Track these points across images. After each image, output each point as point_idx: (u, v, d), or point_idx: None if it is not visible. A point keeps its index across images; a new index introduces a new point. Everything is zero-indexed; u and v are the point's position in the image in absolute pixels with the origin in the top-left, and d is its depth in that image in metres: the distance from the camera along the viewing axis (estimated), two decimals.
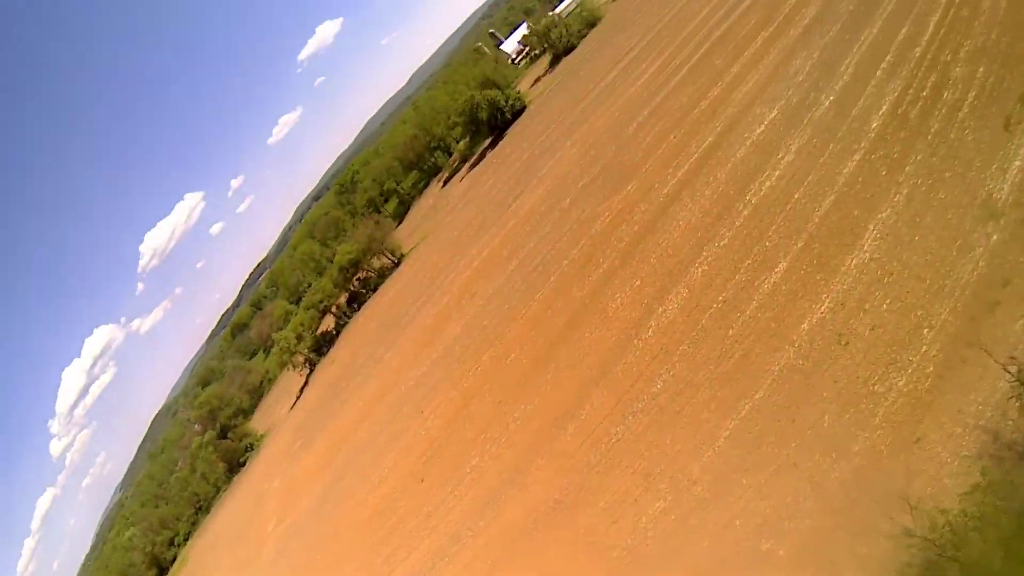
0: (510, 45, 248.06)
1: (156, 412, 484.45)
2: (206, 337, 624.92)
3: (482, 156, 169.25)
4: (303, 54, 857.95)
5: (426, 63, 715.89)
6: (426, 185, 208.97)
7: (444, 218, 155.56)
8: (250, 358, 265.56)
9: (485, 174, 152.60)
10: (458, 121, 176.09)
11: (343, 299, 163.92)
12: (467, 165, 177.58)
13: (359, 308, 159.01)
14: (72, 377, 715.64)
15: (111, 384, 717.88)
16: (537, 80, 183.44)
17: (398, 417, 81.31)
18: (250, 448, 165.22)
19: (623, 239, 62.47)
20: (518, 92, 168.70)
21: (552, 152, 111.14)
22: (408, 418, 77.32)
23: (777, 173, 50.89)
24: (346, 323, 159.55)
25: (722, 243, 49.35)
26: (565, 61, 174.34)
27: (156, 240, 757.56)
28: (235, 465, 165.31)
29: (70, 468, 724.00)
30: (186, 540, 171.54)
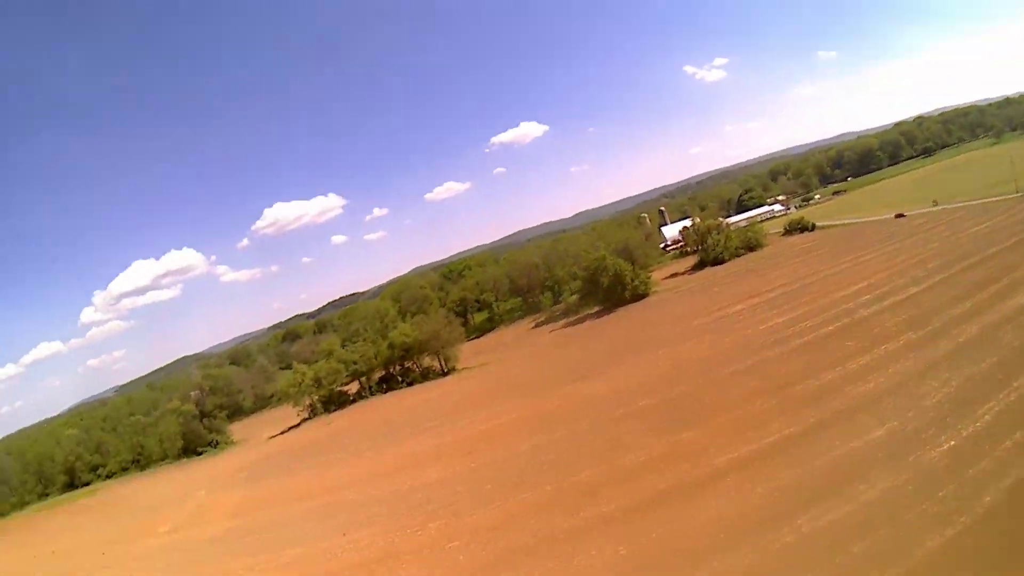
0: (670, 231, 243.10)
1: (186, 355, 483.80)
2: (268, 325, 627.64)
3: (582, 319, 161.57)
4: (498, 139, 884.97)
5: (598, 207, 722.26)
6: (520, 317, 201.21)
7: (512, 357, 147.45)
8: (281, 368, 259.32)
9: (573, 338, 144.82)
10: (579, 275, 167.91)
11: (377, 375, 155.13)
12: (565, 320, 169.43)
13: (385, 392, 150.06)
14: (140, 271, 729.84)
15: (167, 302, 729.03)
16: (673, 275, 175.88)
17: (326, 521, 71.62)
18: (214, 445, 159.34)
19: (644, 490, 50.10)
20: (648, 277, 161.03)
21: (643, 352, 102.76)
22: (331, 529, 67.44)
23: (847, 510, 38.81)
24: (366, 398, 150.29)
25: (741, 562, 36.73)
26: (708, 271, 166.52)
27: (282, 213, 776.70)
28: (191, 450, 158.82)
29: (87, 341, 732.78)
30: (108, 477, 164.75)
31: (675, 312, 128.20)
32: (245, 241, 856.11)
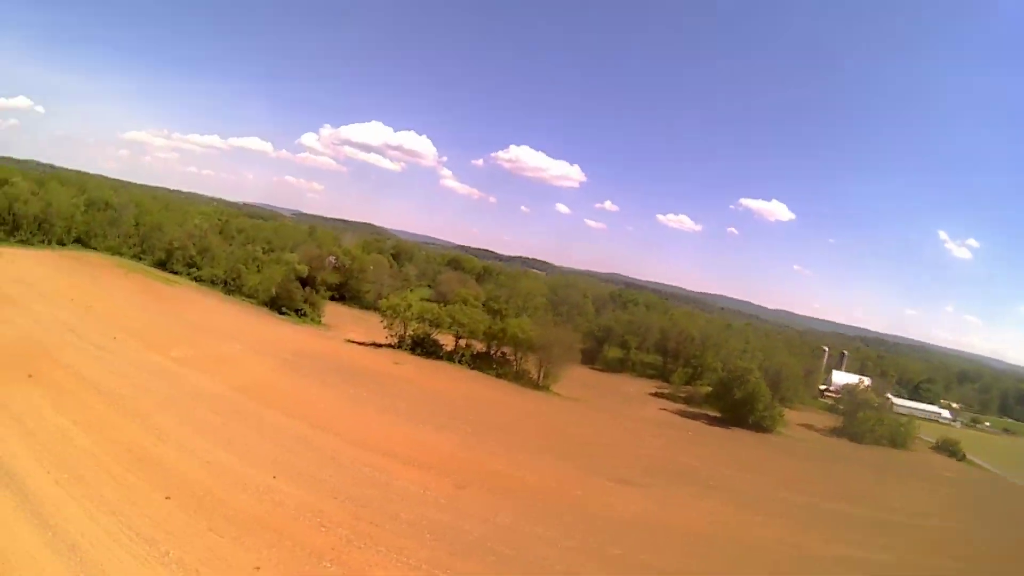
0: (840, 378, 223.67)
1: (371, 223, 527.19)
2: (460, 243, 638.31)
3: (696, 416, 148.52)
4: (746, 201, 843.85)
5: (796, 314, 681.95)
6: (650, 375, 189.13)
7: (610, 412, 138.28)
8: (428, 286, 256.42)
9: (669, 424, 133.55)
10: (720, 373, 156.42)
11: (478, 347, 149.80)
12: (683, 405, 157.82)
13: (472, 368, 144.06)
14: (375, 131, 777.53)
15: (384, 171, 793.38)
16: (809, 426, 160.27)
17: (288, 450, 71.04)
18: (300, 313, 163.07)
19: None
20: (782, 415, 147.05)
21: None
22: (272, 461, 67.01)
23: None
24: (453, 362, 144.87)
25: None
26: (840, 443, 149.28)
27: (526, 156, 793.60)
28: (276, 305, 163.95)
29: (295, 159, 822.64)
30: (196, 280, 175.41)
31: (787, 476, 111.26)
32: (480, 161, 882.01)
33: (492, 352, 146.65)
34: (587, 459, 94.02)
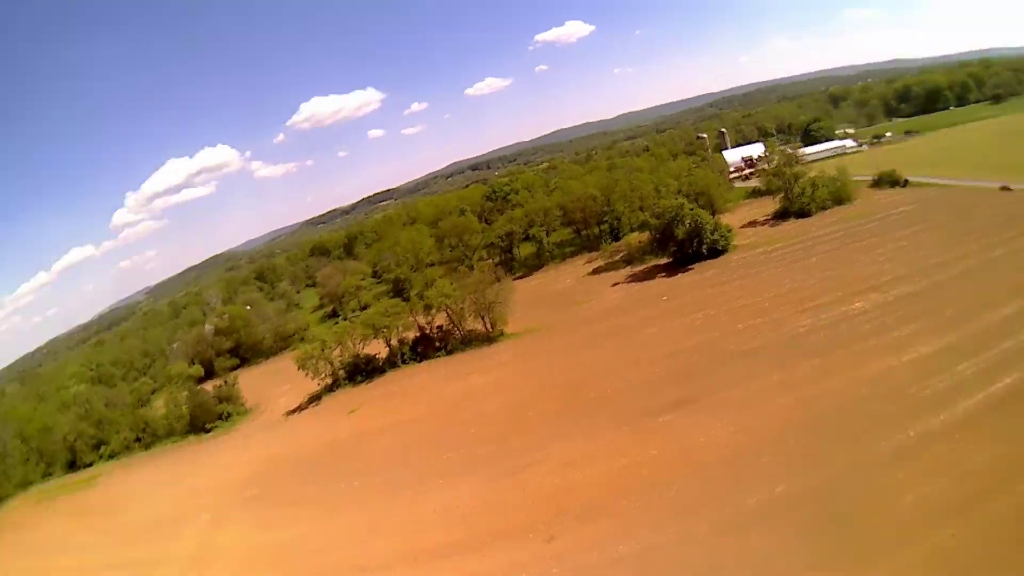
0: (732, 156, 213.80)
1: (219, 252, 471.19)
2: (304, 219, 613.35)
3: (650, 272, 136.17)
4: (542, 36, 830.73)
5: (641, 110, 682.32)
6: (573, 253, 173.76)
7: (572, 320, 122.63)
8: (305, 286, 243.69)
9: (645, 302, 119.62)
10: (650, 222, 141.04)
11: (412, 335, 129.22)
12: (630, 269, 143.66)
13: (420, 360, 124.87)
14: (174, 169, 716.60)
15: (201, 199, 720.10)
16: (752, 223, 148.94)
17: None
18: (224, 418, 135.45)
19: None
20: (728, 228, 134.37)
21: (751, 362, 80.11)
22: None
23: None
24: (397, 366, 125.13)
25: None
26: (793, 224, 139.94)
27: (319, 108, 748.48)
28: (199, 427, 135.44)
29: (119, 243, 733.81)
30: (111, 457, 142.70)
31: (771, 286, 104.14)
32: (281, 136, 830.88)
33: (428, 332, 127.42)
34: (611, 406, 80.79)
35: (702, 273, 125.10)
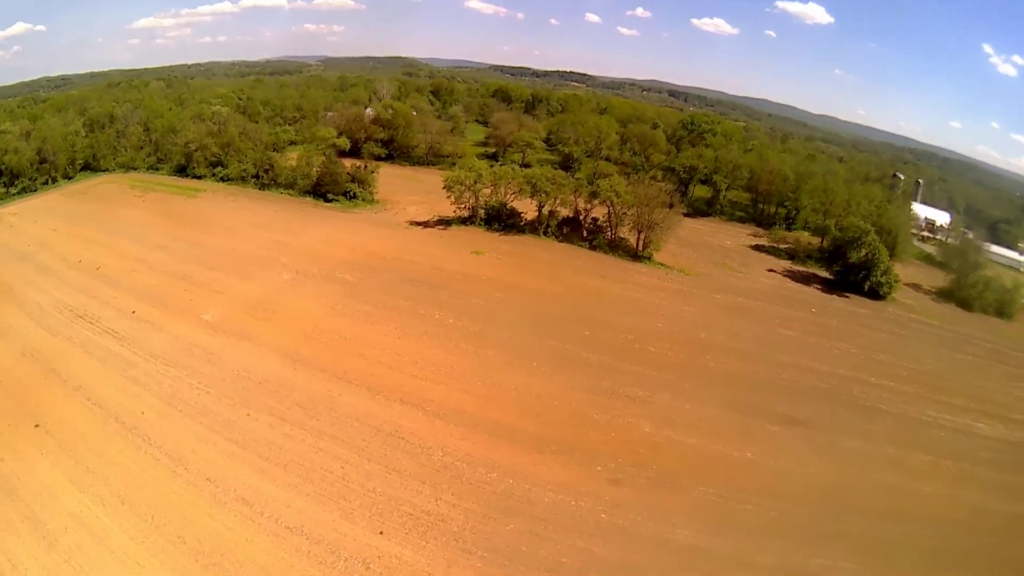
0: (924, 211, 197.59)
1: (403, 55, 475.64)
2: (492, 63, 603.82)
3: (807, 279, 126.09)
4: (782, 4, 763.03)
5: (843, 120, 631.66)
6: (743, 220, 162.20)
7: (721, 280, 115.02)
8: (475, 121, 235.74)
9: (791, 299, 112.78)
10: (833, 232, 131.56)
11: (564, 211, 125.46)
12: (789, 264, 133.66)
13: (561, 240, 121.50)
14: None
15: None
16: (914, 285, 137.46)
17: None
18: (349, 196, 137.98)
19: None
20: (896, 277, 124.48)
21: (851, 368, 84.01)
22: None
23: None
24: (538, 235, 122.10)
25: None
26: (953, 310, 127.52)
27: None
28: (321, 194, 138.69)
29: (312, 6, 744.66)
30: (222, 180, 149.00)
31: (914, 359, 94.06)
32: None
33: (581, 218, 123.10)
34: (728, 385, 76.28)
35: (855, 307, 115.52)
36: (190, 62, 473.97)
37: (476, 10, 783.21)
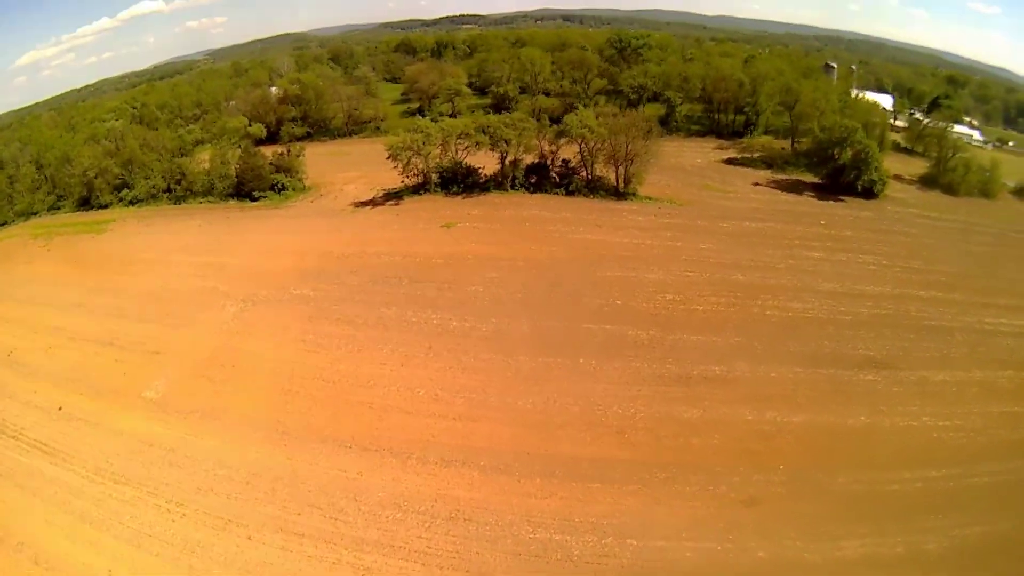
0: (885, 100, 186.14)
1: (288, 32, 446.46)
2: (381, 21, 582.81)
3: (796, 188, 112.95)
4: None
5: (741, 18, 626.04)
6: (702, 133, 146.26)
7: (712, 205, 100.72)
8: (385, 79, 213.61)
9: (793, 214, 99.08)
10: (818, 135, 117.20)
11: (527, 160, 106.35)
12: (769, 173, 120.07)
13: (533, 192, 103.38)
14: None
15: None
16: (897, 177, 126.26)
17: None
18: (278, 190, 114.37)
19: None
20: (887, 172, 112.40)
21: (894, 283, 75.16)
22: None
23: None
24: (505, 190, 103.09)
25: None
26: (943, 197, 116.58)
27: None
28: (245, 193, 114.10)
29: (191, 2, 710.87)
30: (133, 203, 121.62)
31: (940, 260, 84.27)
32: None
33: (548, 162, 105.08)
34: (799, 334, 63.81)
35: (856, 211, 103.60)
36: (79, 86, 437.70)
37: None
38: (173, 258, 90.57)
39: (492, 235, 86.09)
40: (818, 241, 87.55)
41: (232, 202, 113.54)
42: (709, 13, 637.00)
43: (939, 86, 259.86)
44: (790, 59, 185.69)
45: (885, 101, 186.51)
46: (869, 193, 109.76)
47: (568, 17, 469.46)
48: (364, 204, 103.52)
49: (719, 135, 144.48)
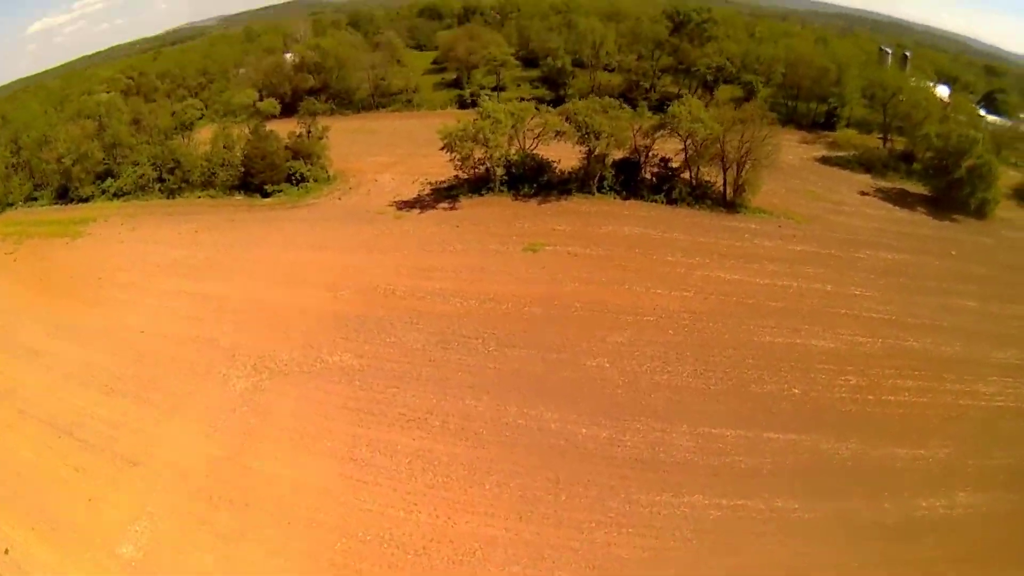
0: (943, 90, 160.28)
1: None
2: None
3: (905, 200, 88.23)
4: None
5: None
6: (781, 123, 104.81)
7: (827, 221, 77.21)
8: (415, 47, 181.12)
9: (912, 237, 76.25)
10: (934, 142, 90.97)
11: (618, 153, 79.52)
12: (870, 179, 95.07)
13: (623, 196, 76.54)
14: None
15: None
16: None
17: None
18: (296, 182, 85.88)
19: None
20: (1001, 194, 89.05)
21: None
22: None
23: None
24: (586, 191, 76.63)
25: None
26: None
27: None
28: (254, 186, 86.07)
29: None
30: (116, 196, 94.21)
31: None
32: None
33: (642, 160, 78.96)
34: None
35: (974, 235, 79.93)
36: (91, 52, 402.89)
37: None
38: (159, 283, 63.39)
39: (596, 266, 59.74)
40: (960, 283, 64.47)
41: (238, 196, 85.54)
42: None
43: (975, 76, 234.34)
44: (857, 42, 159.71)
45: (942, 91, 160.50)
46: (980, 212, 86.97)
47: None
48: (409, 205, 76.37)
49: (799, 126, 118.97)
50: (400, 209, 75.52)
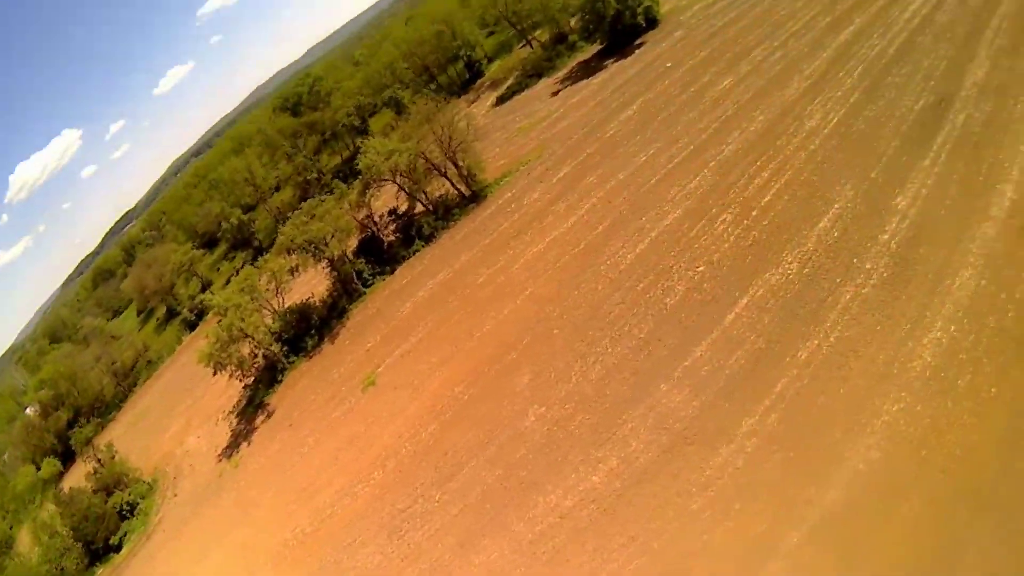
0: None
1: None
2: (62, 281, 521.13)
3: (588, 70, 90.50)
4: (204, 9, 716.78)
5: (325, 39, 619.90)
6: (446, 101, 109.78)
7: (551, 138, 76.13)
8: (112, 316, 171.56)
9: (624, 90, 76.50)
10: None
11: (353, 242, 73.35)
12: (549, 80, 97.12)
13: (387, 271, 69.35)
14: None
15: None
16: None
17: None
18: (126, 513, 68.02)
19: None
20: None
21: None
22: None
23: None
24: (356, 297, 68.48)
25: None
26: None
27: (27, 173, 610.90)
28: (99, 551, 66.23)
29: None
30: None
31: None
32: (4, 217, 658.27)
33: (376, 230, 73.26)
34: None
35: (661, 44, 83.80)
36: None
37: (7, 263, 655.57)
38: None
39: (430, 356, 50.85)
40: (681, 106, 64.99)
41: (99, 571, 65.09)
42: (299, 55, 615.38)
43: None
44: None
45: None
46: (653, 23, 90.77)
47: (198, 152, 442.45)
48: (227, 451, 62.94)
49: (456, 94, 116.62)
50: (228, 458, 61.68)
